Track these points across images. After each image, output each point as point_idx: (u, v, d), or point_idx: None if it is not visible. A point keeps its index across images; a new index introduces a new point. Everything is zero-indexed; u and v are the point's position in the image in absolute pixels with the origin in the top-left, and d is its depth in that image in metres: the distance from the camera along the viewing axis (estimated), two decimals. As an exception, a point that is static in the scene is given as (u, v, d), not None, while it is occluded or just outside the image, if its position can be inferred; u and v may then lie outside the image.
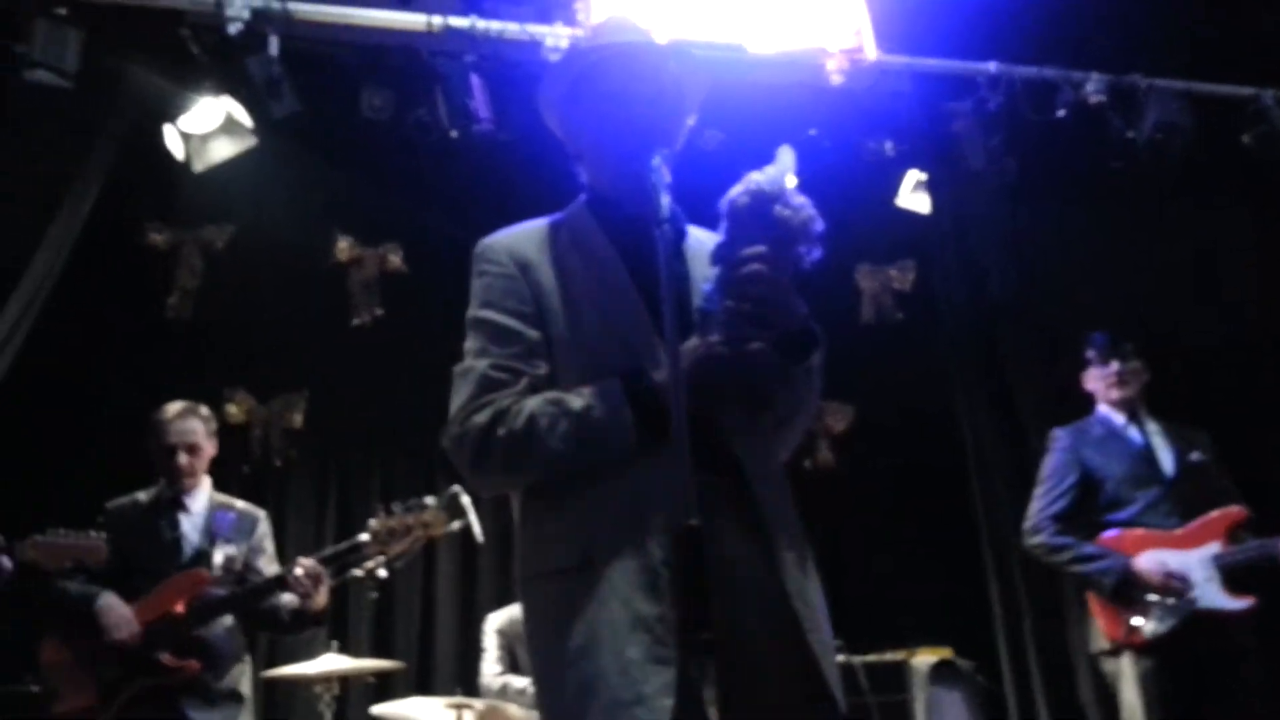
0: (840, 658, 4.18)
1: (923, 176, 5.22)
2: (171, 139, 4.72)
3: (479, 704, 3.50)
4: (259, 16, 3.82)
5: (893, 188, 5.45)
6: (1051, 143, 4.55)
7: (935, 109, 4.64)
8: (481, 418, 1.62)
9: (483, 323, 1.72)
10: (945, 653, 4.48)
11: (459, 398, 1.67)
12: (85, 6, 3.69)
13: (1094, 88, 4.40)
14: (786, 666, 1.56)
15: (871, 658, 4.32)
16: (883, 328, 5.93)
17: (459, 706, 3.41)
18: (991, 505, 4.31)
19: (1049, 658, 4.02)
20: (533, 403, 1.61)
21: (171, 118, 4.61)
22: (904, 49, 4.54)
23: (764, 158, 1.69)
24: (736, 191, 1.64)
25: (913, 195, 5.38)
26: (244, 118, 4.67)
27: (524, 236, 1.79)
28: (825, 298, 5.78)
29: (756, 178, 1.64)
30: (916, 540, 5.18)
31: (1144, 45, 4.63)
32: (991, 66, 4.44)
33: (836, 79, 4.41)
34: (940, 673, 4.34)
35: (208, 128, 4.68)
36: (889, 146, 5.18)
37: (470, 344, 1.73)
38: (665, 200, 1.58)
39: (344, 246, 5.37)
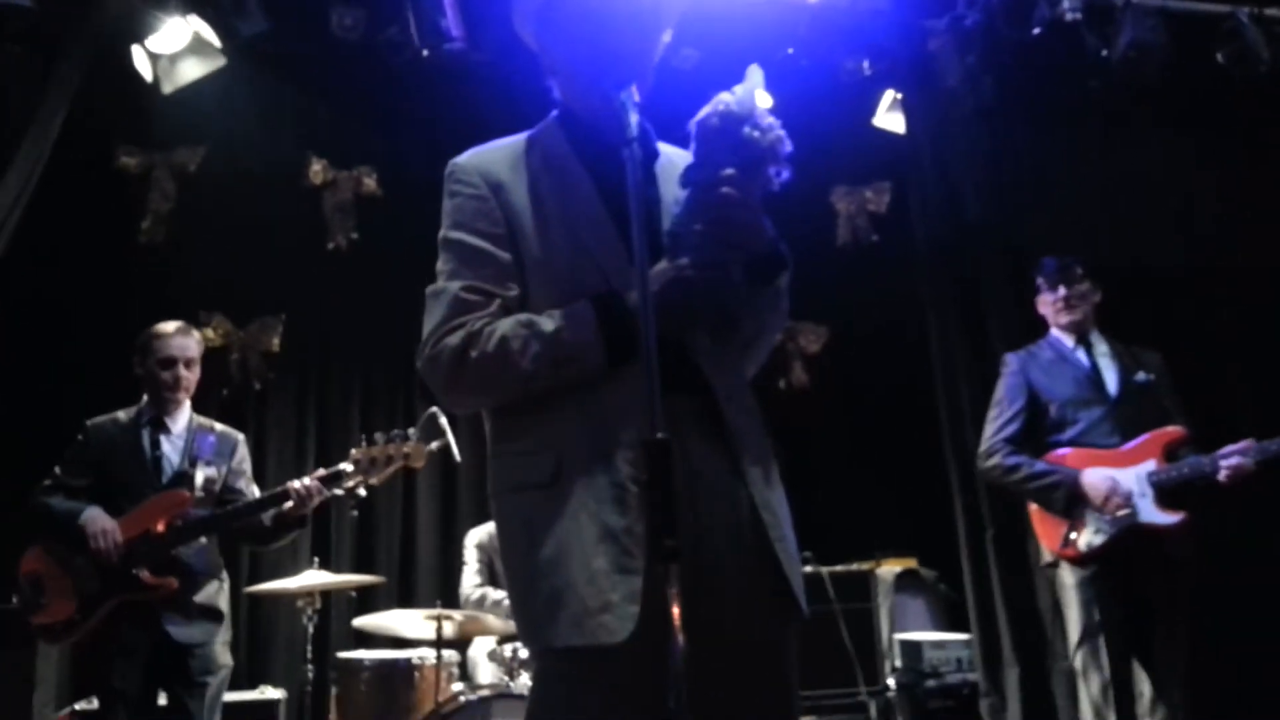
0: (809, 568, 4.36)
1: (899, 96, 5.20)
2: (140, 60, 4.64)
3: (458, 615, 3.59)
4: (225, -69, 3.72)
5: (870, 108, 5.43)
6: (1028, 62, 4.54)
7: (913, 27, 4.61)
8: (454, 339, 1.63)
9: (454, 244, 1.71)
10: (910, 563, 4.64)
11: (432, 319, 1.68)
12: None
13: (1070, 4, 4.38)
14: (752, 571, 1.61)
15: (839, 568, 4.46)
16: (858, 249, 5.97)
17: (439, 618, 3.51)
18: (957, 423, 4.39)
19: (1008, 567, 4.16)
20: (505, 324, 1.63)
21: (139, 37, 4.53)
22: (882, -34, 4.49)
23: (740, 77, 1.69)
24: (705, 112, 1.62)
25: (889, 115, 5.37)
26: (212, 37, 4.60)
27: (496, 156, 1.78)
28: (801, 219, 5.85)
29: (725, 98, 1.63)
30: (885, 457, 5.29)
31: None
32: (969, -19, 4.40)
33: (812, -4, 4.37)
34: (904, 581, 4.49)
35: (176, 48, 4.61)
36: (866, 66, 5.15)
37: (442, 265, 1.73)
38: (634, 119, 1.57)
39: (317, 169, 5.32)
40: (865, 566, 4.58)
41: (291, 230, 5.21)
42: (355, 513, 4.30)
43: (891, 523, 5.03)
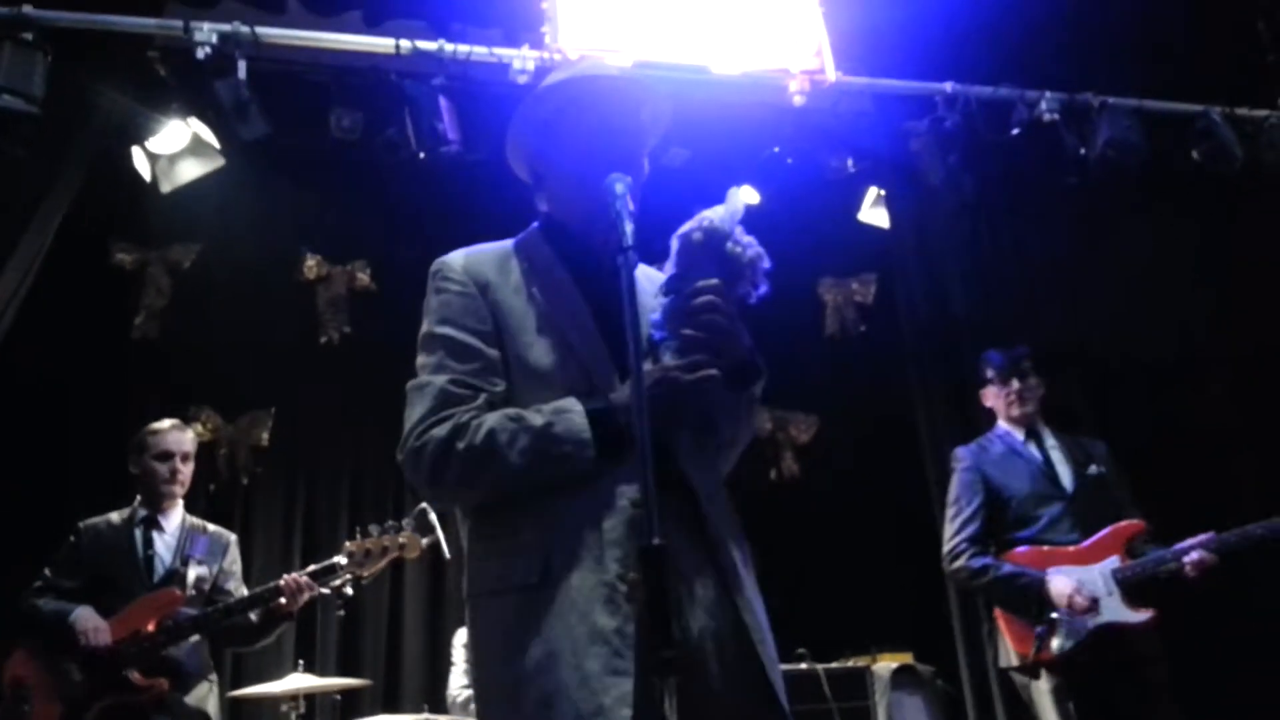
0: (804, 665, 4.30)
1: (883, 193, 5.32)
2: (139, 160, 4.74)
3: (445, 719, 3.53)
4: (227, 40, 3.84)
5: (855, 203, 5.55)
6: (1008, 160, 4.66)
7: (894, 128, 4.74)
8: (440, 431, 1.64)
9: (440, 339, 1.73)
10: (906, 658, 4.57)
11: (416, 411, 1.68)
12: (51, 31, 3.70)
13: (1048, 106, 4.52)
14: (738, 677, 1.61)
15: (834, 665, 4.39)
16: (846, 340, 6.04)
17: (425, 722, 3.44)
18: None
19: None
20: (492, 418, 1.64)
21: (139, 139, 4.63)
22: (863, 70, 4.64)
23: (729, 174, 1.75)
24: (689, 227, 1.70)
25: (873, 210, 5.49)
26: (211, 139, 4.70)
27: (482, 257, 1.82)
28: (789, 311, 5.91)
29: (709, 215, 1.71)
30: (878, 549, 5.26)
31: (1095, 65, 4.76)
32: (948, 86, 4.55)
33: (798, 99, 4.50)
34: (901, 678, 4.41)
35: (175, 149, 4.70)
36: (850, 164, 5.28)
37: (426, 359, 1.74)
38: (629, 228, 1.62)
39: (312, 264, 5.39)
40: (861, 663, 4.51)
41: (284, 325, 5.26)
42: (341, 612, 4.24)
43: (887, 617, 4.97)
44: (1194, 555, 3.27)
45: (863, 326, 6.04)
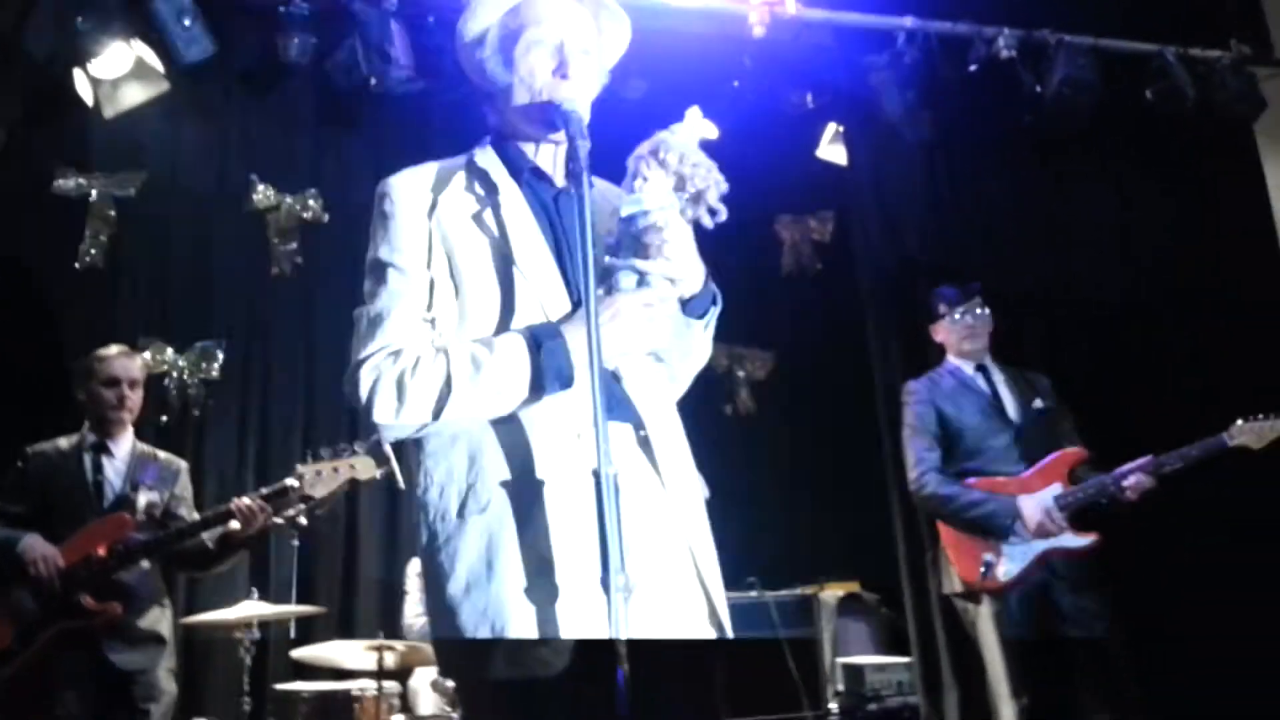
0: (754, 593, 4.39)
1: (841, 129, 5.31)
2: (81, 84, 4.58)
3: (400, 645, 3.56)
4: (169, -44, 3.70)
5: (813, 139, 5.53)
6: (966, 97, 4.66)
7: (854, 63, 4.72)
8: (387, 364, 1.61)
9: (388, 266, 1.68)
10: (853, 587, 4.69)
11: (363, 344, 1.65)
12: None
13: (1005, 43, 4.52)
14: (684, 600, 1.63)
15: (783, 593, 4.49)
16: (802, 278, 6.05)
17: (380, 648, 3.47)
18: (897, 447, 4.46)
19: (946, 591, 4.23)
20: (441, 350, 1.61)
21: (80, 63, 4.47)
22: (824, 3, 4.60)
23: (687, 107, 1.72)
24: (646, 149, 1.65)
25: (832, 147, 5.47)
26: (156, 62, 4.55)
27: (431, 177, 1.75)
28: (746, 248, 5.90)
29: (665, 137, 1.67)
30: (830, 482, 5.35)
31: (1053, 3, 4.75)
32: (908, 21, 4.53)
33: (758, 30, 4.46)
34: (847, 605, 4.54)
35: (118, 72, 4.55)
36: (809, 99, 5.26)
37: (374, 287, 1.69)
38: (584, 150, 1.60)
39: (262, 193, 5.28)
40: (809, 591, 4.62)
41: (233, 256, 5.16)
42: (296, 542, 4.24)
43: (836, 548, 5.08)
44: (1132, 478, 3.37)
45: (819, 264, 6.06)
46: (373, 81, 4.01)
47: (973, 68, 4.53)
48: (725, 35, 4.74)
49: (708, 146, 1.73)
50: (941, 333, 3.79)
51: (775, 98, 5.19)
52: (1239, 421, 3.48)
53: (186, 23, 4.11)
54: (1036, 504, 3.39)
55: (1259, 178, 5.08)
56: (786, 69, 5.00)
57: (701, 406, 5.59)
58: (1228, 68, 4.82)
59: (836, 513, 5.21)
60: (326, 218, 5.28)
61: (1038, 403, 3.63)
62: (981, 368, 3.71)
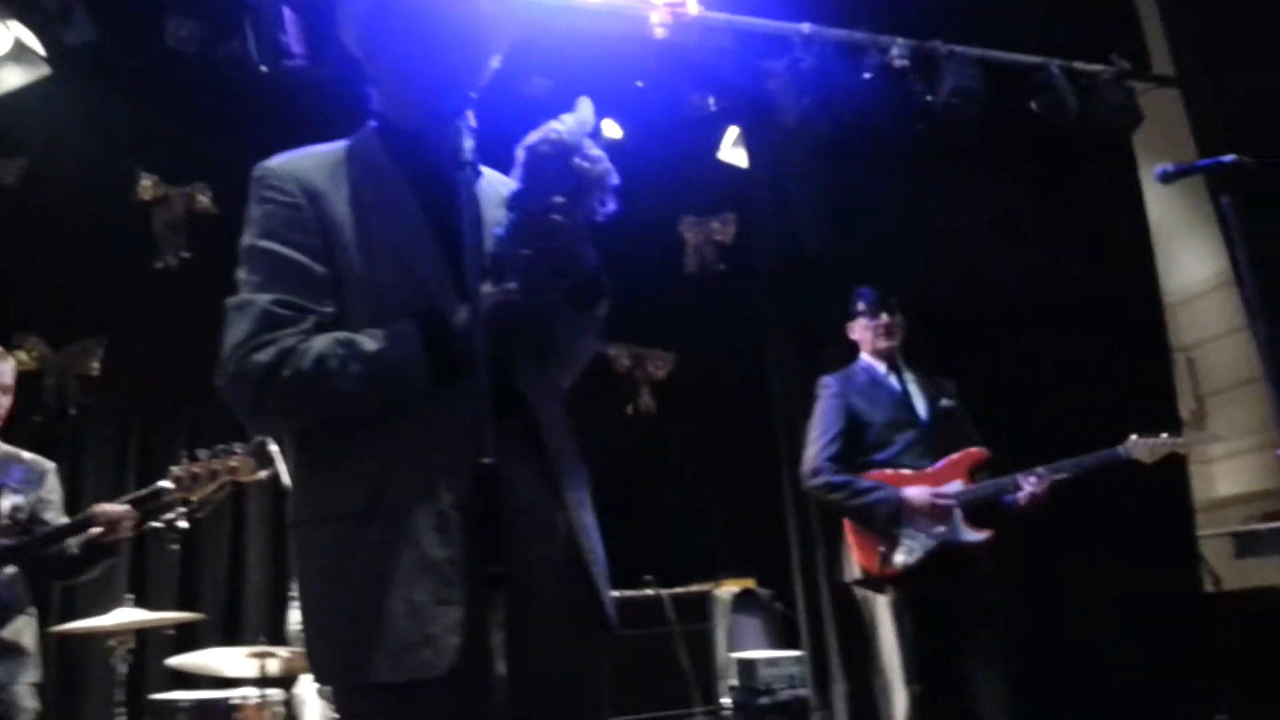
0: (650, 590, 4.41)
1: (742, 131, 5.38)
2: (-47, 65, 4.35)
3: (284, 651, 3.45)
4: (46, -65, 3.53)
5: (715, 142, 5.60)
6: (860, 103, 4.77)
7: (754, 67, 4.79)
8: (264, 356, 1.54)
9: (264, 253, 1.61)
10: (749, 583, 4.75)
11: (236, 333, 1.57)
12: None
13: (898, 52, 4.65)
14: (569, 596, 1.62)
15: (679, 589, 4.52)
16: (705, 278, 6.11)
17: (262, 655, 3.36)
18: (793, 446, 4.54)
19: (838, 584, 4.32)
20: (321, 342, 1.55)
21: (-47, 42, 4.24)
22: (725, 5, 4.65)
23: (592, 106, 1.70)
24: (535, 139, 1.61)
25: (733, 150, 5.54)
26: (36, 45, 4.35)
27: (313, 163, 1.69)
28: (650, 248, 5.90)
29: (556, 126, 1.63)
30: (728, 480, 5.42)
31: (945, 14, 4.90)
32: (805, 27, 4.61)
33: (659, 31, 4.49)
34: (741, 601, 4.60)
35: (-4, 54, 4.34)
36: (711, 101, 5.32)
37: (247, 275, 1.62)
38: (469, 144, 1.56)
39: (148, 184, 5.08)
40: (705, 588, 4.67)
41: (117, 248, 4.95)
42: (176, 546, 4.08)
43: (733, 544, 5.15)
44: (1029, 482, 3.51)
45: (721, 265, 6.12)
46: (264, 69, 3.89)
47: (867, 75, 4.64)
48: (629, 36, 4.75)
49: (613, 147, 1.71)
50: (858, 331, 3.90)
51: (678, 100, 5.24)
52: (1133, 436, 3.65)
53: (70, 5, 3.93)
54: (922, 490, 3.50)
55: (1136, 188, 5.33)
56: (689, 71, 5.05)
57: (603, 406, 5.66)
58: (1108, 81, 5.04)
59: (734, 510, 5.27)
60: (216, 210, 5.11)
61: (944, 402, 3.76)
62: (894, 367, 3.82)
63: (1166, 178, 2.41)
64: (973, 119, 4.77)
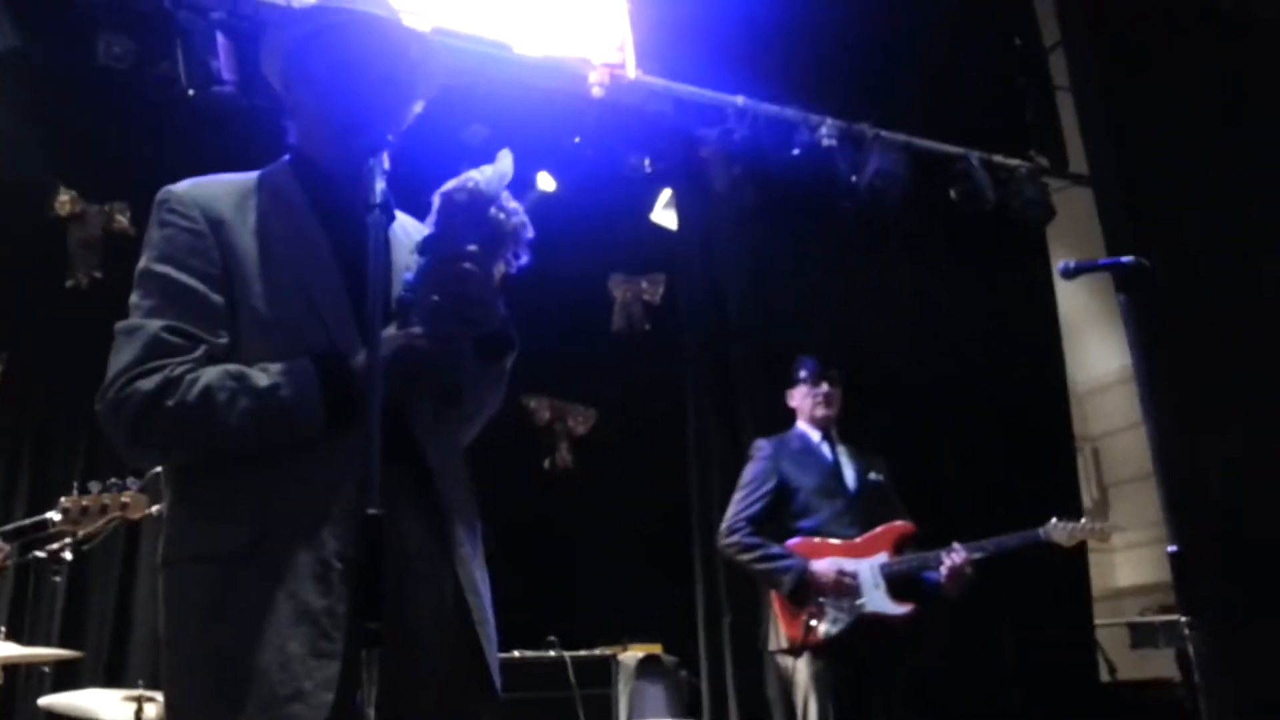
0: (553, 653, 4.33)
1: (674, 194, 5.46)
2: None
3: (162, 696, 3.30)
4: (-24, -61, 3.46)
5: (649, 202, 5.67)
6: (789, 178, 4.89)
7: (689, 133, 4.88)
8: (148, 384, 1.49)
9: (159, 278, 1.57)
10: (654, 649, 4.70)
11: (121, 357, 1.52)
12: None
13: (827, 131, 4.79)
14: (453, 654, 1.57)
15: (582, 653, 4.45)
16: (631, 336, 6.12)
17: (139, 699, 3.21)
18: (706, 510, 4.56)
19: (743, 654, 4.31)
20: (210, 373, 1.51)
21: None
22: (664, 71, 4.75)
23: (528, 158, 1.70)
24: (452, 186, 1.61)
25: (665, 211, 5.62)
26: (-45, 47, 4.22)
27: (219, 190, 1.66)
28: (579, 303, 5.91)
29: (474, 175, 1.63)
30: (640, 542, 5.38)
31: (874, 98, 5.07)
32: (739, 100, 4.73)
33: (597, 90, 4.56)
34: (645, 667, 4.53)
35: (-92, 52, 4.20)
36: (647, 163, 5.39)
37: (139, 300, 1.58)
38: (380, 186, 1.54)
39: (65, 200, 4.93)
40: (610, 651, 4.60)
41: (27, 263, 4.78)
42: (58, 579, 3.89)
43: (641, 609, 5.09)
44: (951, 558, 3.56)
45: (649, 325, 6.15)
46: (191, 93, 3.84)
47: (796, 151, 4.77)
48: (568, 91, 4.81)
49: (547, 201, 1.72)
50: (797, 398, 3.96)
51: (614, 158, 5.30)
52: (1054, 520, 3.76)
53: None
54: (830, 564, 3.53)
55: (1048, 280, 5.52)
56: (626, 131, 5.12)
57: (520, 458, 5.59)
58: (1025, 176, 5.24)
59: (645, 574, 5.22)
60: (133, 231, 4.98)
61: (873, 475, 3.82)
62: (828, 437, 3.87)
63: (1069, 273, 2.49)
64: (894, 200, 4.92)
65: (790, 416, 3.99)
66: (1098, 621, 5.47)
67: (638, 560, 5.35)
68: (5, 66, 4.34)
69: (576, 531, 5.41)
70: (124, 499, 2.96)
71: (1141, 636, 6.06)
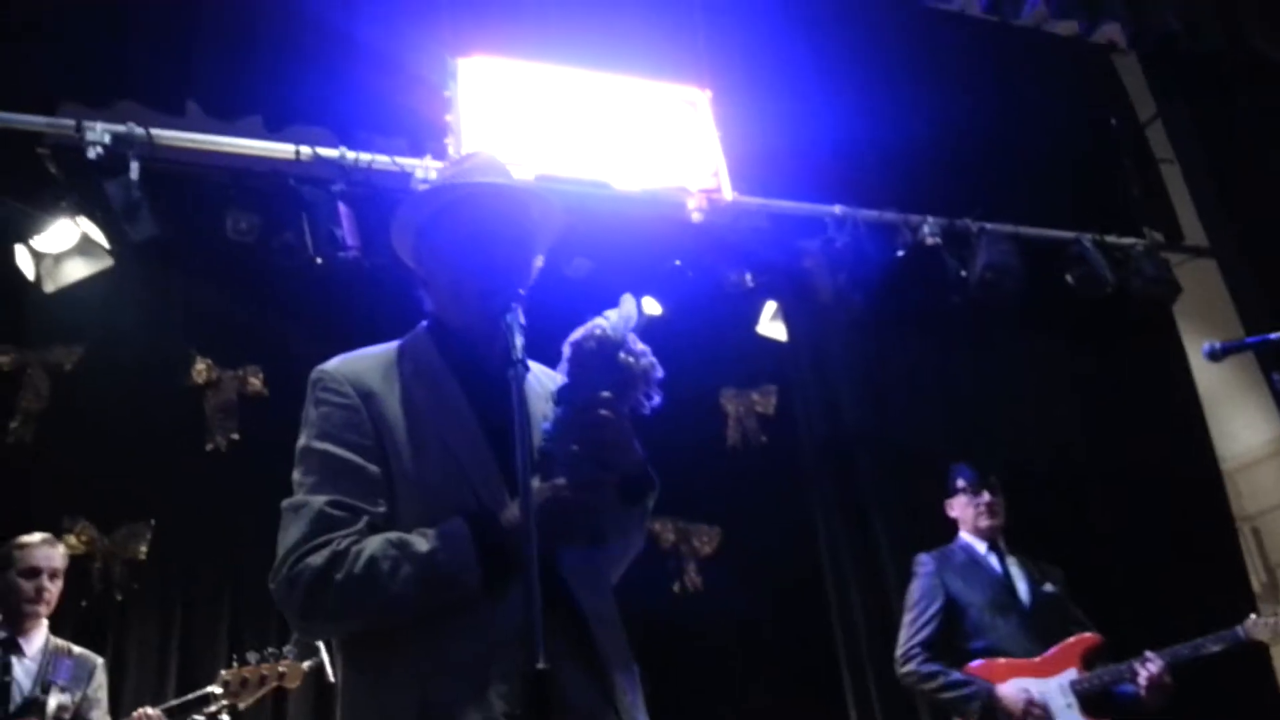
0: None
1: (780, 306, 5.47)
2: (22, 259, 4.57)
3: None
4: (120, 140, 3.78)
5: (754, 316, 5.68)
6: (895, 279, 4.86)
7: (789, 245, 4.92)
8: (317, 559, 1.55)
9: (319, 455, 1.65)
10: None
11: (290, 536, 1.59)
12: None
13: (930, 230, 4.76)
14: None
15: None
16: (747, 451, 6.06)
17: None
18: (849, 628, 4.40)
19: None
20: (373, 544, 1.55)
21: (23, 237, 4.47)
22: (758, 190, 4.82)
23: (632, 285, 1.74)
24: (581, 335, 1.67)
25: (772, 323, 5.62)
26: (101, 239, 4.56)
27: (366, 364, 1.74)
28: (692, 422, 5.92)
29: (601, 323, 1.68)
30: (779, 661, 5.21)
31: (976, 193, 5.04)
32: (837, 209, 4.76)
33: (696, 216, 4.65)
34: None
35: (62, 248, 4.54)
36: (749, 278, 5.43)
37: (302, 477, 1.66)
38: (519, 341, 1.61)
39: (201, 368, 5.21)
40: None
41: (168, 431, 5.02)
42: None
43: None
44: (1148, 669, 3.34)
45: (764, 437, 6.09)
46: (318, 260, 4.06)
47: (900, 252, 4.75)
48: (667, 218, 4.93)
49: (653, 323, 1.76)
50: (957, 509, 3.83)
51: (715, 277, 5.36)
52: (1253, 616, 3.52)
53: (136, 204, 4.16)
54: (1016, 688, 3.33)
55: (1181, 356, 5.30)
56: (725, 250, 5.19)
57: (649, 585, 5.52)
58: (1142, 254, 5.10)
59: (788, 696, 5.04)
60: (267, 393, 5.22)
61: (1048, 587, 3.63)
62: (995, 548, 3.72)
63: (1215, 355, 2.41)
64: (1009, 291, 4.83)
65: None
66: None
67: (776, 680, 5.17)
68: (144, 249, 4.67)
69: (717, 659, 5.27)
70: (280, 668, 3.03)
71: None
